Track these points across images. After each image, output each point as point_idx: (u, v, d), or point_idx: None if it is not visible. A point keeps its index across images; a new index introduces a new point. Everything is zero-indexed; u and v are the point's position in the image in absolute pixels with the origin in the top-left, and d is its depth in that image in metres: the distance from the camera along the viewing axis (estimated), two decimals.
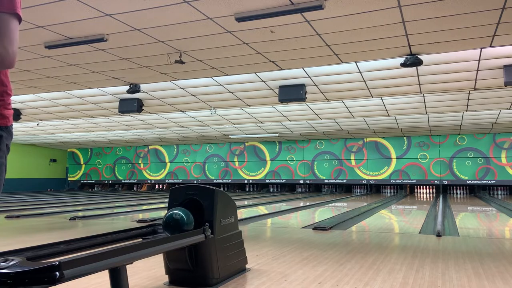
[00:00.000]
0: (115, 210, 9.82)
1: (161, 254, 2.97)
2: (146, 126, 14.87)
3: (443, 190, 16.94)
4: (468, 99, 9.80)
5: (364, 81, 8.30)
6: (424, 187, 17.46)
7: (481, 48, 6.50)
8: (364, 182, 17.85)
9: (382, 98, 9.79)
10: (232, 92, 9.45)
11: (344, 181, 18.13)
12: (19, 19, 1.48)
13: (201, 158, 20.62)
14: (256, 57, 6.87)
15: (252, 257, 3.96)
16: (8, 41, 1.41)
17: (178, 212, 2.99)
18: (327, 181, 18.42)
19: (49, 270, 1.68)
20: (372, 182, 17.75)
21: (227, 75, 8.12)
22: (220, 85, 8.92)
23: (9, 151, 1.59)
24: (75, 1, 4.85)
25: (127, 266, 2.27)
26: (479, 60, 6.98)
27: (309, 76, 8.15)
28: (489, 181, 16.12)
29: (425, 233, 5.78)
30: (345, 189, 18.58)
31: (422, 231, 6.00)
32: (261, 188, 19.97)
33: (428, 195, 16.47)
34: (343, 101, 10.20)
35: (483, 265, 3.75)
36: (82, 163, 23.54)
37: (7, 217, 7.97)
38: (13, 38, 1.43)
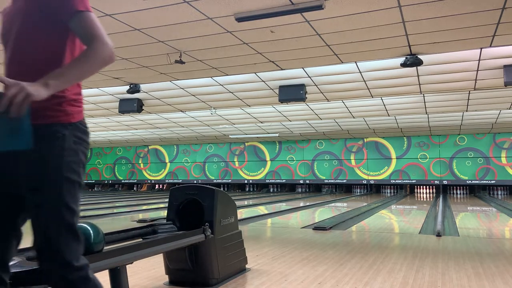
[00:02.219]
0: (115, 210, 9.82)
1: (161, 254, 2.97)
2: (146, 126, 14.86)
3: (443, 190, 16.92)
4: (468, 99, 9.80)
5: (364, 81, 8.30)
6: (424, 187, 17.44)
7: (481, 48, 6.50)
8: (364, 182, 17.85)
9: (382, 98, 9.78)
10: (232, 92, 9.45)
11: (344, 181, 18.12)
12: None
13: (201, 158, 20.62)
14: (256, 57, 6.87)
15: (252, 257, 3.96)
16: (105, 36, 1.45)
17: (85, 226, 2.09)
18: (327, 181, 18.42)
19: None
20: (372, 182, 17.74)
21: (227, 75, 8.12)
22: (220, 85, 8.91)
23: (85, 146, 1.58)
24: None
25: (127, 266, 2.27)
26: (479, 60, 6.98)
27: (309, 76, 8.15)
28: (489, 181, 16.11)
29: (425, 233, 5.78)
30: (345, 189, 18.57)
31: (422, 231, 6.01)
32: (261, 188, 19.96)
33: (428, 195, 16.46)
34: (343, 101, 10.20)
35: (483, 265, 3.75)
36: None
37: None
38: (105, 32, 1.46)
